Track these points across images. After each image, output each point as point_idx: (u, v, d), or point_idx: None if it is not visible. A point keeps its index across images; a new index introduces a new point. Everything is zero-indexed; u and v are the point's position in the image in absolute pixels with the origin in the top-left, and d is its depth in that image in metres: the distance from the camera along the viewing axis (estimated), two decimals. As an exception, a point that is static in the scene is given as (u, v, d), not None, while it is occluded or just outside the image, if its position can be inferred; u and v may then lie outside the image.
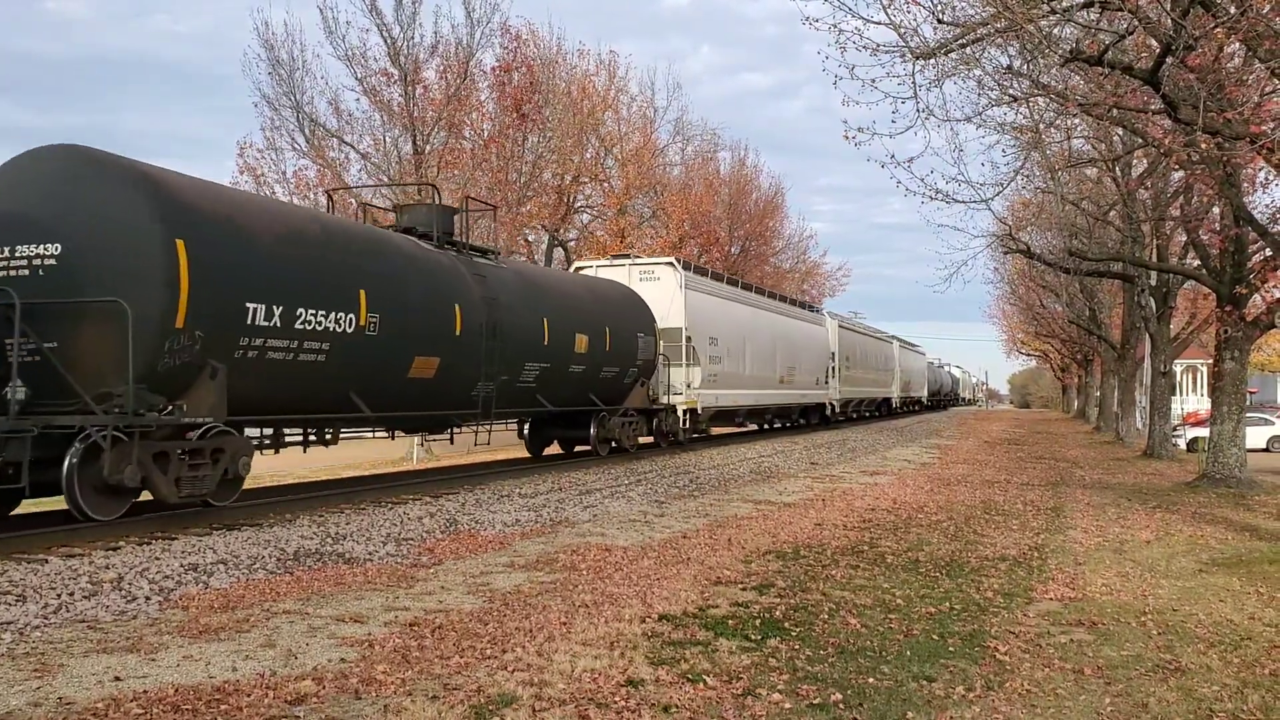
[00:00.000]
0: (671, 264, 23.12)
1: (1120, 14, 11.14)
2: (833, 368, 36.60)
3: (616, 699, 5.18)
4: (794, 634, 6.62)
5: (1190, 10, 10.05)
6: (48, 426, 9.16)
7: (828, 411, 36.81)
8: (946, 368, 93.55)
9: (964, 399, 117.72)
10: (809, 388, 33.37)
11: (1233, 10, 9.59)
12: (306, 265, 11.38)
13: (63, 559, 8.49)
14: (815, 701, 5.26)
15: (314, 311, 11.26)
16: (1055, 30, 11.75)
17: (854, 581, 8.47)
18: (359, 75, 27.44)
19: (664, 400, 21.67)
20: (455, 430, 16.13)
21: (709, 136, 43.33)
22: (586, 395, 18.45)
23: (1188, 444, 29.06)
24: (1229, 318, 17.37)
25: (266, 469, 18.07)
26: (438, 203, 16.11)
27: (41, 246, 9.58)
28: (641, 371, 20.29)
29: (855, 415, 44.24)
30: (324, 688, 5.29)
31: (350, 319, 11.82)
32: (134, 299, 9.22)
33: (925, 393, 66.43)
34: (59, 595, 7.21)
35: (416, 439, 22.29)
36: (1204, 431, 21.48)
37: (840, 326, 38.42)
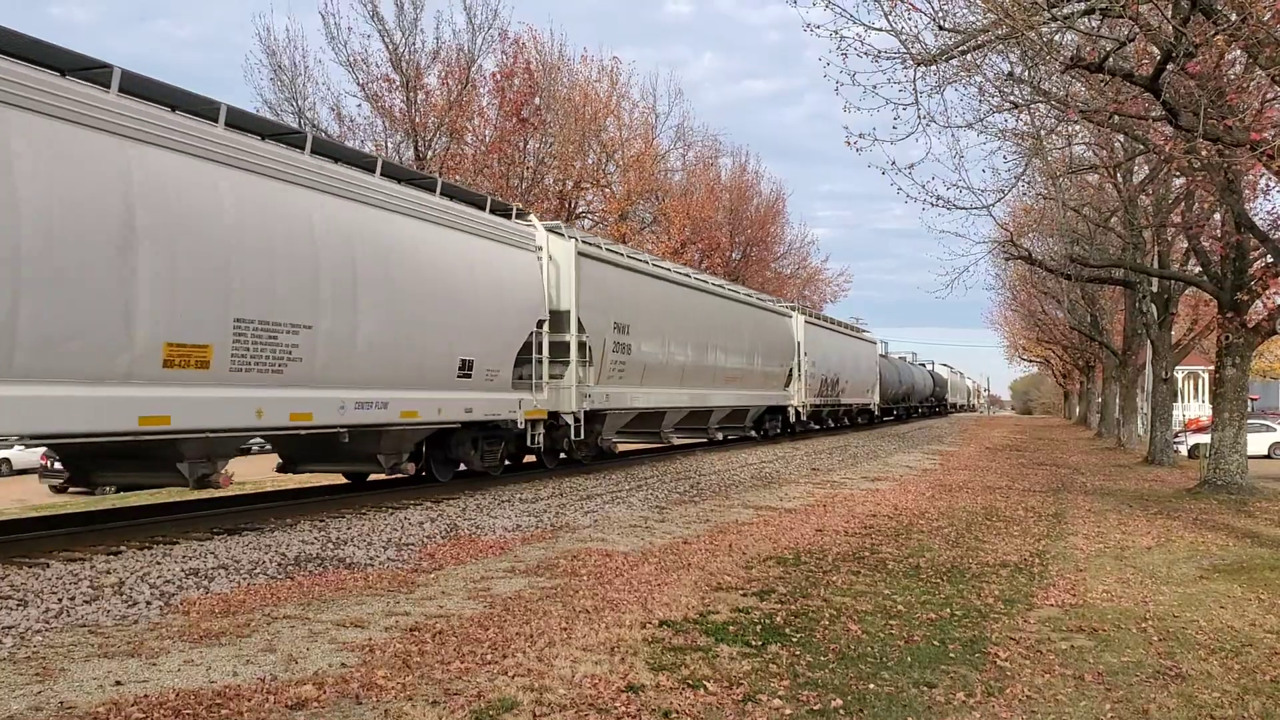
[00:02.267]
0: None
1: (1121, 21, 11.18)
2: (552, 344, 16.29)
3: (617, 704, 5.18)
4: (795, 640, 6.62)
5: (1191, 17, 10.07)
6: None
7: (534, 441, 16.36)
8: (928, 365, 72.57)
9: (955, 404, 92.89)
10: (426, 387, 13.30)
11: (1233, 17, 9.61)
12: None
13: (64, 563, 8.51)
14: (816, 707, 5.26)
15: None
16: (1056, 37, 11.76)
17: (855, 587, 8.47)
18: (361, 81, 27.52)
19: None
20: None
21: (710, 142, 43.43)
22: None
23: (1189, 450, 29.07)
24: (1230, 324, 17.37)
25: (269, 474, 18.07)
26: None
27: None
28: None
29: (682, 441, 26.13)
30: (325, 692, 5.29)
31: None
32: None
33: (876, 397, 45.18)
34: (60, 600, 7.22)
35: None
36: (1205, 438, 21.45)
37: (585, 255, 17.34)
